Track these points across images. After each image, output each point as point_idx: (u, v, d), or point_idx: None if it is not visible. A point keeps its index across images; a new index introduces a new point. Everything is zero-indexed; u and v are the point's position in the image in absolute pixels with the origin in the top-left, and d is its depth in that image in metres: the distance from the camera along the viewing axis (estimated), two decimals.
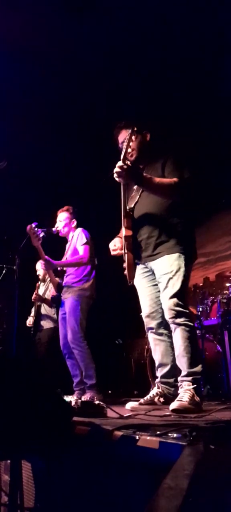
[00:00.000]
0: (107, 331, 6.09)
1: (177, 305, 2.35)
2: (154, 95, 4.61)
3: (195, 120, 4.89)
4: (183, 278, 2.41)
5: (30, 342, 4.66)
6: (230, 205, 5.85)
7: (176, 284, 2.39)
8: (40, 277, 4.90)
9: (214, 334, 4.51)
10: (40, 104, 4.78)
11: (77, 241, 3.86)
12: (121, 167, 2.39)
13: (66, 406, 1.71)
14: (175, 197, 2.49)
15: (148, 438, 1.25)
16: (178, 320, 2.35)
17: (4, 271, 4.25)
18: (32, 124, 4.94)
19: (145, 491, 1.20)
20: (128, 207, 2.66)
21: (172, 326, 2.39)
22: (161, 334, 2.59)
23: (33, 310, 4.82)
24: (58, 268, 3.90)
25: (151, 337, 2.66)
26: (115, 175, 2.43)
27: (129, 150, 2.55)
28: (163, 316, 2.52)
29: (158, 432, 1.29)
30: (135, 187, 2.70)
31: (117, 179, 2.45)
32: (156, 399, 2.50)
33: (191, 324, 2.37)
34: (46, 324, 4.69)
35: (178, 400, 2.18)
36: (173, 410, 2.09)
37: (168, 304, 2.38)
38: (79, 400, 2.03)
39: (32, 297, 4.71)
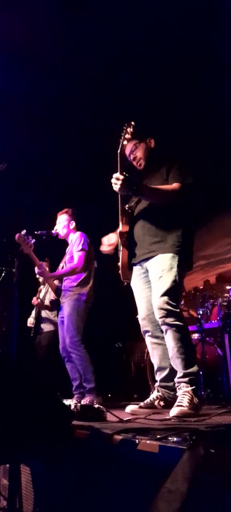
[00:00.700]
0: (107, 334, 6.08)
1: (167, 303, 2.29)
2: (154, 95, 4.61)
3: (196, 121, 4.89)
4: (174, 277, 2.35)
5: (30, 344, 4.65)
6: (230, 207, 5.85)
7: (166, 282, 2.33)
8: (41, 280, 4.89)
9: (215, 337, 4.49)
10: (40, 105, 4.79)
11: (74, 246, 3.84)
12: (117, 178, 2.42)
13: (65, 410, 1.70)
14: (176, 202, 2.47)
15: (148, 442, 1.24)
16: (168, 320, 2.29)
17: (3, 274, 4.24)
18: (32, 125, 4.95)
19: (145, 495, 1.19)
20: (127, 206, 2.64)
21: (163, 327, 2.34)
22: (157, 337, 2.56)
23: (33, 312, 4.82)
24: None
25: (148, 340, 2.63)
26: (112, 185, 2.45)
27: (135, 160, 2.60)
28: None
29: (158, 436, 1.28)
30: None
31: (114, 188, 2.47)
32: (156, 402, 2.49)
33: (182, 324, 2.31)
34: (46, 327, 4.68)
35: (177, 406, 2.16)
36: (174, 417, 2.08)
37: (158, 303, 2.33)
38: (79, 404, 2.01)
39: (33, 301, 4.70)
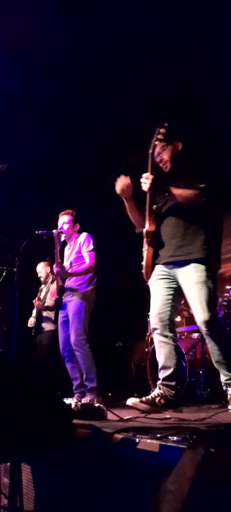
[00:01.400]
0: (108, 334, 6.09)
1: (210, 318, 2.42)
2: (154, 95, 4.61)
3: (196, 121, 4.89)
4: (212, 289, 2.47)
5: (31, 344, 4.66)
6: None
7: (205, 296, 2.44)
8: (42, 279, 4.89)
9: None
10: (40, 105, 4.79)
11: (83, 247, 3.85)
12: (146, 178, 2.51)
13: (66, 409, 1.71)
14: (198, 203, 2.52)
15: (148, 441, 1.24)
16: (212, 334, 2.45)
17: (4, 273, 4.25)
18: (32, 125, 4.95)
19: (145, 494, 1.19)
20: (155, 206, 2.67)
21: (206, 336, 2.48)
22: (166, 336, 2.60)
23: (34, 311, 4.82)
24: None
25: (156, 338, 2.67)
26: (142, 184, 2.54)
27: (162, 162, 2.66)
28: (170, 319, 2.57)
29: (158, 435, 1.28)
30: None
31: (143, 188, 2.55)
32: (157, 400, 2.51)
33: (223, 332, 2.53)
34: (47, 326, 4.69)
35: None
36: None
37: (202, 318, 2.44)
38: (79, 403, 2.02)
39: (34, 302, 4.71)
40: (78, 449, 1.62)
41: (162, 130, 2.56)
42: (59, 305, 3.85)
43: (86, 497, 1.52)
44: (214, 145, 5.18)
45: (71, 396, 3.60)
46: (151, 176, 2.50)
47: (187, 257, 2.50)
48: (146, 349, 5.03)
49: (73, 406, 1.97)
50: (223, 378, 2.55)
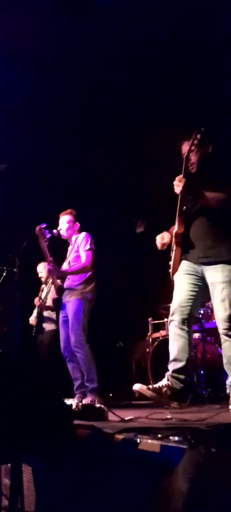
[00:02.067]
0: (108, 334, 6.08)
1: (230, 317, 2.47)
2: (154, 95, 4.61)
3: (196, 120, 4.88)
4: None
5: (32, 344, 4.65)
6: None
7: (229, 295, 2.50)
8: (43, 279, 4.89)
9: (215, 337, 4.49)
10: (41, 105, 4.79)
11: (81, 245, 3.85)
12: (179, 180, 2.58)
13: (67, 409, 1.71)
14: (229, 206, 2.58)
15: (149, 441, 1.24)
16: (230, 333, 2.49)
17: (4, 273, 4.25)
18: (33, 126, 4.95)
19: (146, 495, 1.19)
20: (184, 207, 2.71)
21: (223, 337, 2.53)
22: (182, 330, 2.64)
23: (35, 311, 4.82)
24: (62, 269, 3.90)
25: (172, 330, 2.69)
26: (174, 187, 2.60)
27: (189, 163, 2.69)
28: (190, 314, 2.62)
29: (159, 436, 1.28)
30: None
31: (175, 190, 2.61)
32: (163, 390, 2.53)
33: None
34: (48, 326, 4.69)
35: None
36: None
37: (222, 316, 2.51)
38: (80, 404, 2.02)
39: (35, 301, 4.71)
40: (79, 450, 1.62)
41: (198, 136, 2.61)
42: (58, 305, 3.85)
43: (87, 497, 1.52)
44: (214, 144, 5.19)
45: (72, 396, 3.60)
46: (184, 179, 2.56)
47: (217, 259, 2.57)
48: (147, 349, 5.03)
49: (74, 406, 1.97)
50: (229, 380, 2.58)
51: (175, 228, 2.70)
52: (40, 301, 4.68)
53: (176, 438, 1.23)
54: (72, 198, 4.62)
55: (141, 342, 5.55)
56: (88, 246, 3.81)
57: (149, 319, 5.18)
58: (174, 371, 2.60)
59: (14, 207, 5.52)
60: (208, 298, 2.73)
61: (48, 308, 4.67)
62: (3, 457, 1.84)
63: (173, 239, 2.72)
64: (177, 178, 2.61)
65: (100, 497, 1.43)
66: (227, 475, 1.00)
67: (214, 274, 2.58)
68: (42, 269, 4.90)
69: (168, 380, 2.58)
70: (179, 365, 2.59)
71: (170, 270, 2.73)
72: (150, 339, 5.03)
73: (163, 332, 4.94)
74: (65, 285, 3.86)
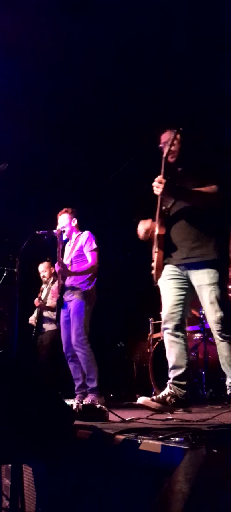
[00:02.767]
0: (109, 334, 6.08)
1: (224, 319, 2.44)
2: (154, 95, 4.61)
3: (196, 120, 4.88)
4: (224, 289, 2.50)
5: (32, 344, 4.65)
6: None
7: (219, 296, 2.46)
8: (45, 279, 4.88)
9: None
10: (41, 106, 4.79)
11: (86, 246, 3.84)
12: (159, 182, 2.50)
13: (67, 410, 1.70)
14: (213, 204, 2.53)
15: (150, 442, 1.23)
16: (224, 334, 2.44)
17: (5, 274, 4.25)
18: (33, 126, 4.95)
19: (147, 496, 1.19)
20: (164, 207, 2.67)
21: (217, 338, 2.48)
22: (177, 336, 2.60)
23: (35, 311, 4.82)
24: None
25: (167, 338, 2.66)
26: (154, 188, 2.53)
27: (171, 151, 2.62)
28: (181, 319, 2.58)
29: (160, 436, 1.27)
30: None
31: (155, 192, 2.54)
32: (167, 399, 2.50)
33: None
34: (48, 326, 4.68)
35: None
36: None
37: (214, 319, 2.46)
38: (81, 404, 2.01)
39: (35, 302, 4.71)
40: (79, 450, 1.61)
41: (178, 136, 2.57)
42: (60, 304, 3.84)
43: (88, 498, 1.51)
44: (214, 144, 5.18)
45: (73, 397, 3.59)
46: (164, 180, 2.51)
47: (201, 259, 2.51)
48: (148, 350, 5.02)
49: (74, 407, 1.97)
50: (228, 381, 2.55)
51: (156, 230, 2.63)
52: (40, 301, 4.68)
53: (177, 439, 1.22)
54: (73, 200, 4.62)
55: (142, 343, 5.55)
56: (94, 246, 3.82)
57: (150, 319, 5.17)
58: (175, 379, 2.57)
59: (15, 208, 5.53)
60: (197, 299, 2.69)
61: (48, 308, 4.66)
62: (4, 457, 1.83)
63: (155, 240, 2.65)
64: (156, 179, 2.53)
65: (101, 498, 1.43)
66: (229, 476, 1.00)
67: (199, 277, 2.53)
68: (45, 268, 4.89)
69: (170, 388, 2.54)
70: (179, 371, 2.56)
71: (153, 273, 2.65)
72: (151, 340, 5.02)
73: None
74: (67, 284, 3.85)
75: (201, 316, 4.50)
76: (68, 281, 3.85)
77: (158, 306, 5.39)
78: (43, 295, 4.78)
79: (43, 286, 4.88)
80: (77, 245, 3.91)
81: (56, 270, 3.84)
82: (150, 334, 5.14)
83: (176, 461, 1.06)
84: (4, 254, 4.34)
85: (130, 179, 5.53)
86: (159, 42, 4.16)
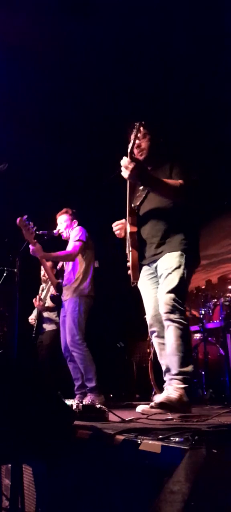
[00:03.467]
0: (109, 334, 6.08)
1: (173, 300, 2.34)
2: (154, 95, 4.61)
3: (197, 121, 4.89)
4: (181, 275, 2.39)
5: (32, 345, 4.65)
6: None
7: (174, 280, 2.38)
8: (45, 278, 4.87)
9: (217, 337, 4.49)
10: (41, 106, 4.79)
11: (72, 237, 3.85)
12: (128, 163, 2.40)
13: (67, 410, 1.70)
14: (180, 198, 2.49)
15: (150, 442, 1.23)
16: (172, 316, 2.33)
17: (4, 274, 4.24)
18: (33, 126, 4.95)
19: (147, 496, 1.19)
20: (133, 205, 2.65)
21: (166, 322, 2.37)
22: (164, 338, 2.52)
23: (35, 311, 4.82)
24: (59, 267, 3.89)
25: (155, 341, 2.62)
26: (122, 171, 2.44)
27: (138, 149, 2.59)
28: None
29: (160, 436, 1.27)
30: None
31: (123, 175, 2.46)
32: (184, 398, 2.45)
33: (185, 322, 2.35)
34: (48, 326, 4.68)
35: (167, 395, 2.18)
36: (160, 404, 2.09)
37: (164, 299, 2.37)
38: (81, 404, 2.01)
39: (34, 302, 4.70)
40: (79, 451, 1.61)
41: (142, 129, 2.52)
42: (57, 302, 3.83)
43: (87, 498, 1.51)
44: (215, 144, 5.18)
45: (72, 397, 3.59)
46: (133, 163, 2.38)
47: (166, 253, 2.48)
48: (148, 350, 5.02)
49: (74, 407, 1.96)
50: (173, 373, 2.33)
51: (128, 229, 2.60)
52: (40, 302, 4.67)
53: (177, 439, 1.22)
54: (73, 200, 4.61)
55: (141, 342, 5.54)
56: (77, 238, 3.79)
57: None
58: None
59: (15, 207, 5.52)
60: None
61: (47, 309, 4.66)
62: (4, 457, 1.83)
63: (128, 239, 2.61)
64: (123, 161, 2.41)
65: (101, 498, 1.43)
66: (229, 476, 1.00)
67: (162, 264, 2.48)
68: None
69: (167, 390, 2.53)
70: None
71: (129, 272, 2.60)
72: (151, 340, 5.02)
73: None
74: (63, 283, 3.85)
75: (201, 316, 4.50)
76: (64, 280, 3.85)
77: None
78: (43, 295, 4.77)
79: (43, 285, 4.87)
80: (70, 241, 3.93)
81: (30, 251, 3.74)
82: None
83: (176, 461, 1.06)
84: (4, 254, 4.33)
85: None
86: (159, 42, 4.16)
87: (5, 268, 4.17)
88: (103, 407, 2.05)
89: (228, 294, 4.42)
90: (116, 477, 1.37)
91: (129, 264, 2.61)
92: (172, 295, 2.34)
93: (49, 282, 4.80)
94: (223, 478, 0.99)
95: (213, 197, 5.69)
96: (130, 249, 2.59)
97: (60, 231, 3.95)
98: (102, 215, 5.66)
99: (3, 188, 4.49)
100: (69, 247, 3.79)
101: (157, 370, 4.42)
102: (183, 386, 2.23)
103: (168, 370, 2.52)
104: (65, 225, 3.98)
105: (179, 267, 2.40)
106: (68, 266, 3.88)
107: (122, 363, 6.00)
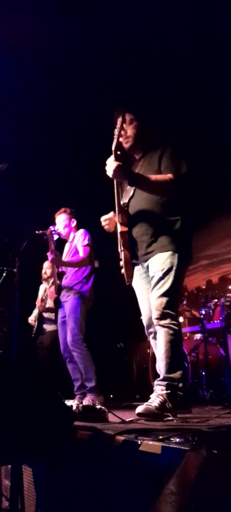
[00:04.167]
0: (109, 335, 6.07)
1: (164, 305, 2.26)
2: (154, 96, 4.60)
3: (198, 121, 4.88)
4: (174, 278, 2.31)
5: (31, 345, 4.65)
6: None
7: (165, 284, 2.29)
8: (46, 276, 4.87)
9: (217, 338, 4.48)
10: (41, 106, 4.79)
11: (79, 241, 3.85)
12: (111, 164, 2.34)
13: (67, 410, 1.70)
14: (170, 194, 2.39)
15: (150, 443, 1.23)
16: (163, 322, 2.26)
17: (4, 274, 4.24)
18: (32, 126, 4.95)
19: (147, 496, 1.18)
20: (122, 202, 2.56)
21: (157, 327, 2.31)
22: None
23: (35, 311, 4.81)
24: (61, 269, 3.90)
25: (153, 342, 2.57)
26: (107, 171, 2.37)
27: (124, 136, 2.49)
28: None
29: (160, 437, 1.27)
30: None
31: (108, 174, 2.39)
32: (165, 404, 2.44)
33: (176, 328, 2.27)
34: (48, 327, 4.68)
35: (146, 404, 2.12)
36: (138, 414, 2.03)
37: (155, 304, 2.30)
38: (81, 405, 2.01)
39: (37, 303, 4.70)
40: (79, 451, 1.61)
41: (127, 117, 2.45)
42: (58, 304, 3.84)
43: (87, 499, 1.51)
44: (215, 144, 5.18)
45: (72, 397, 3.58)
46: (117, 162, 2.32)
47: (157, 252, 2.38)
48: (148, 350, 5.01)
49: (74, 407, 1.96)
50: (160, 377, 2.27)
51: (119, 229, 2.51)
52: (41, 303, 4.67)
53: (177, 440, 1.22)
54: (73, 200, 4.61)
55: (141, 343, 5.54)
56: (86, 242, 3.81)
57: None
58: None
59: (14, 207, 5.52)
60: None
61: (48, 310, 4.66)
62: (4, 458, 1.83)
63: (119, 239, 2.52)
64: (108, 162, 2.36)
65: (101, 499, 1.42)
66: (229, 477, 0.99)
67: (153, 265, 2.37)
68: (48, 265, 4.87)
69: (151, 398, 2.50)
70: None
71: (123, 272, 2.52)
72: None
73: None
74: (63, 284, 3.85)
75: (202, 316, 4.49)
76: (64, 281, 3.86)
77: None
78: (45, 295, 4.77)
79: (43, 284, 4.87)
80: (73, 244, 3.92)
81: (49, 259, 3.81)
82: None
83: (176, 462, 1.06)
84: (3, 254, 4.33)
85: None
86: (159, 42, 4.16)
87: (5, 268, 4.17)
88: (103, 407, 2.05)
89: (228, 294, 4.41)
90: (116, 477, 1.36)
91: (122, 264, 2.54)
92: (163, 300, 2.27)
93: (50, 282, 4.80)
94: (223, 479, 0.98)
95: (213, 197, 5.69)
96: (122, 248, 2.51)
97: (58, 231, 3.95)
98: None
99: (2, 188, 4.49)
100: (80, 252, 3.79)
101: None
102: (165, 392, 2.18)
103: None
104: (63, 224, 3.99)
105: (171, 268, 2.32)
106: (70, 268, 3.88)
107: (122, 364, 5.99)
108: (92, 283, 3.84)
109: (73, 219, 4.02)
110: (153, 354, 4.56)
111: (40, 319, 4.71)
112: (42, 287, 4.87)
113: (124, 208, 2.55)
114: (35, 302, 4.78)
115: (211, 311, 4.55)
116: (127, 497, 1.29)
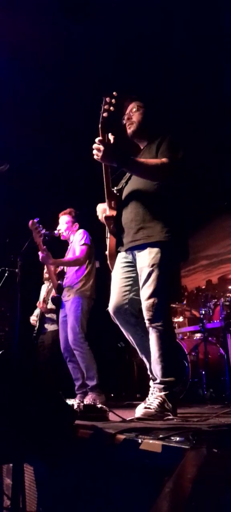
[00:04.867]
0: (110, 334, 6.07)
1: (155, 305, 2.14)
2: (154, 96, 4.60)
3: (198, 121, 4.89)
4: (165, 274, 2.18)
5: (33, 345, 4.65)
6: None
7: (156, 281, 2.16)
8: (48, 276, 4.87)
9: (217, 337, 4.50)
10: (41, 106, 4.79)
11: (76, 241, 3.86)
12: (98, 146, 2.24)
13: (68, 409, 1.71)
14: (161, 179, 2.26)
15: (151, 441, 1.24)
16: (154, 324, 2.15)
17: (6, 274, 4.25)
18: (33, 126, 4.95)
19: (147, 495, 1.19)
20: (115, 188, 2.47)
21: (148, 328, 2.19)
22: (135, 332, 2.38)
23: (36, 311, 4.82)
24: (60, 268, 3.90)
25: (125, 334, 2.48)
26: (94, 155, 2.27)
27: (128, 121, 2.44)
28: (131, 313, 2.32)
29: (161, 436, 1.28)
30: None
31: (96, 158, 2.28)
32: (165, 405, 2.44)
33: (168, 329, 2.19)
34: (50, 326, 4.68)
35: (145, 408, 2.09)
36: (137, 418, 2.01)
37: (146, 304, 2.17)
38: (82, 404, 2.01)
39: (38, 304, 4.70)
40: (80, 450, 1.62)
41: (113, 101, 2.36)
42: (58, 303, 3.84)
43: (88, 497, 1.51)
44: (215, 144, 5.19)
45: (73, 396, 3.59)
46: (102, 147, 2.22)
47: (146, 241, 2.21)
48: None
49: (75, 406, 1.97)
50: (156, 380, 2.22)
51: (107, 212, 2.37)
52: (43, 303, 4.67)
53: (178, 439, 1.22)
54: (74, 200, 4.62)
55: None
56: (83, 241, 3.80)
57: None
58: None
59: (16, 208, 5.53)
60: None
61: (50, 311, 4.66)
62: (5, 457, 1.84)
63: (106, 226, 2.38)
64: (95, 145, 2.27)
65: (101, 497, 1.43)
66: (229, 475, 1.00)
67: (141, 259, 2.22)
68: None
69: (149, 399, 2.47)
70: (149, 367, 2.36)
71: (108, 262, 2.39)
72: None
73: None
74: (64, 284, 3.86)
75: (202, 316, 4.50)
76: (66, 281, 3.86)
77: None
78: (44, 293, 4.77)
79: (45, 284, 4.87)
80: (71, 246, 3.93)
81: (40, 258, 3.77)
82: None
83: (177, 460, 1.06)
84: (5, 254, 4.34)
85: None
86: (159, 42, 4.16)
87: (7, 269, 4.17)
88: (104, 406, 2.06)
89: (228, 294, 4.42)
90: (116, 476, 1.37)
91: (107, 253, 2.43)
92: (154, 300, 2.14)
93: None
94: (223, 477, 0.99)
95: (213, 197, 5.70)
96: (108, 235, 2.40)
97: (60, 231, 3.95)
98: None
99: (4, 189, 4.50)
100: (76, 252, 3.79)
101: None
102: (164, 392, 2.15)
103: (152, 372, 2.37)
104: (65, 226, 3.99)
105: (161, 264, 2.17)
106: (70, 268, 3.88)
107: (123, 363, 5.99)
108: (94, 282, 3.84)
109: (76, 223, 4.02)
110: None
111: (42, 319, 4.71)
112: (44, 287, 4.87)
113: (115, 194, 2.45)
114: (37, 303, 4.78)
115: (211, 311, 4.55)
116: (127, 496, 1.30)
